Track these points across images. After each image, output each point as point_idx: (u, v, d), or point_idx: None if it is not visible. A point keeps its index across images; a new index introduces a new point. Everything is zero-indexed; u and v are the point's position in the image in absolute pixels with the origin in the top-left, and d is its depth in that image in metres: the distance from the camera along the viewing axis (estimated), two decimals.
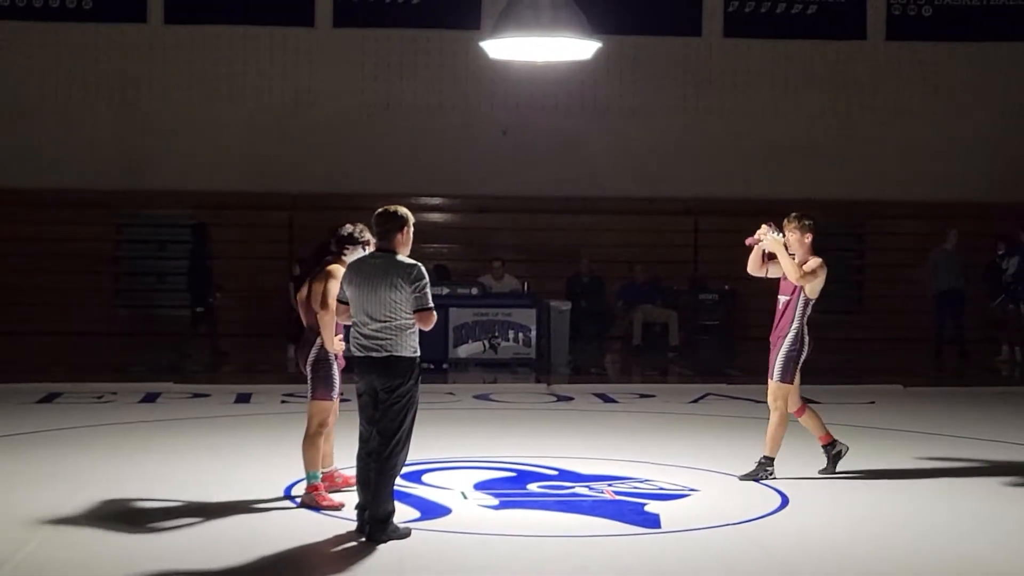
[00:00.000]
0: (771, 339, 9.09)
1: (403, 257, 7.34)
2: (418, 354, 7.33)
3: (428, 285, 7.27)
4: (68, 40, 20.42)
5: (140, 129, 20.46)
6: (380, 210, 7.46)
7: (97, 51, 20.47)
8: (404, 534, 7.22)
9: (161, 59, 20.56)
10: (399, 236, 7.36)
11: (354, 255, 7.96)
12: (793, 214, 9.49)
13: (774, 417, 9.01)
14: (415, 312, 7.22)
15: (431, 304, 7.26)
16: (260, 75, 20.67)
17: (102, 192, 20.35)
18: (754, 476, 8.94)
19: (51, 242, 20.21)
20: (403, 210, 7.44)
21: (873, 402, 13.49)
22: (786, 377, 8.92)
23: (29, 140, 20.25)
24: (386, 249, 7.38)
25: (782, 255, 9.10)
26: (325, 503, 7.98)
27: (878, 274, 21.65)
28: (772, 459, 9.00)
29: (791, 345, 8.92)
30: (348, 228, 8.20)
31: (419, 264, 7.31)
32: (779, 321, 9.04)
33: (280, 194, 20.35)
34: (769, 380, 9.03)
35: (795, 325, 8.98)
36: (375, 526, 7.16)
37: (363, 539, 7.20)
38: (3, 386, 13.49)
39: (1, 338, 18.79)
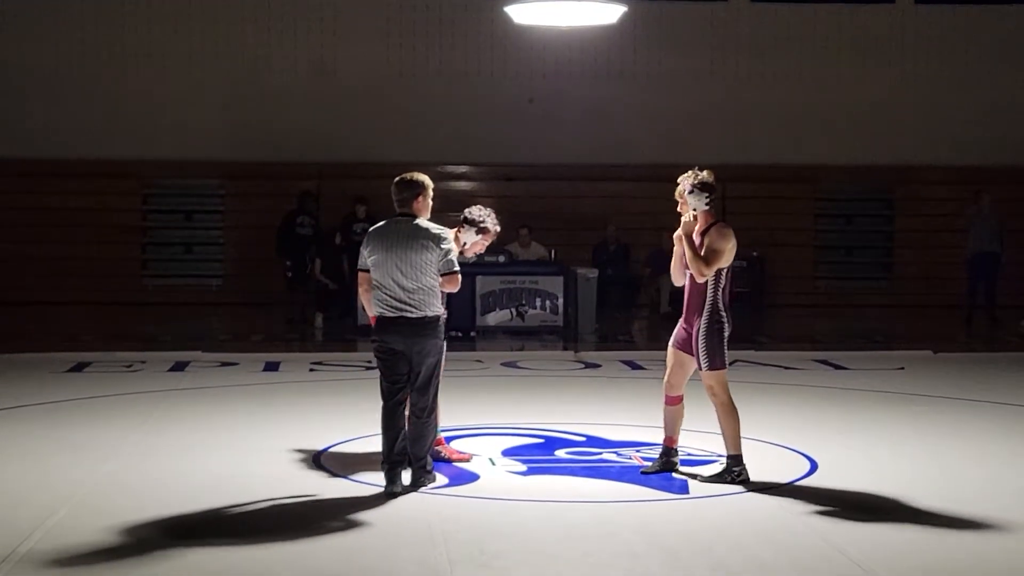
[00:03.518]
0: (684, 323, 7.93)
1: (428, 222, 7.67)
2: (443, 312, 7.79)
3: (453, 249, 7.70)
4: (95, 10, 20.44)
5: (165, 99, 20.46)
6: (398, 178, 7.79)
7: (123, 21, 20.48)
8: (435, 478, 7.75)
9: (186, 28, 20.55)
10: (416, 202, 7.69)
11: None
12: (689, 178, 7.96)
13: (718, 410, 7.86)
14: (443, 275, 7.60)
15: (457, 267, 7.68)
16: (285, 44, 20.64)
17: (128, 162, 20.40)
18: (718, 479, 7.82)
19: (78, 212, 20.29)
20: (421, 177, 7.77)
21: (903, 368, 13.42)
22: (715, 363, 7.77)
23: (56, 111, 20.30)
24: (408, 214, 7.68)
25: (687, 246, 7.82)
26: (455, 456, 8.40)
27: (908, 240, 21.51)
28: (738, 456, 7.83)
29: (708, 325, 7.77)
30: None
31: (444, 229, 7.73)
32: (692, 300, 7.87)
33: (307, 163, 20.35)
34: (700, 371, 7.84)
35: (709, 300, 7.79)
36: (419, 472, 7.64)
37: (391, 492, 7.46)
38: (34, 355, 13.59)
39: (30, 308, 18.92)
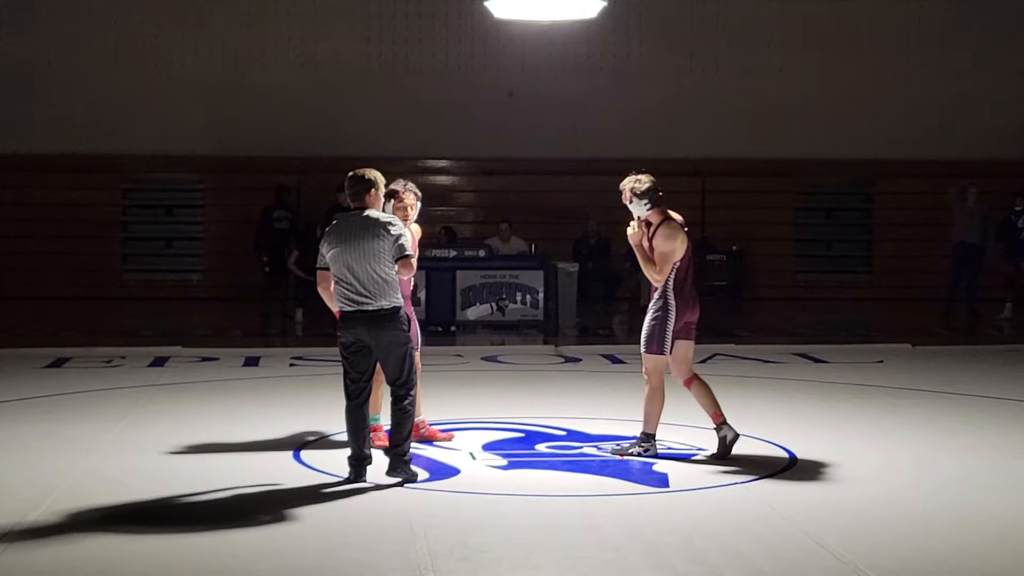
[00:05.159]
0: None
1: (377, 212, 7.79)
2: (401, 303, 7.81)
3: (405, 235, 7.72)
4: (76, 5, 20.35)
5: (147, 93, 20.41)
6: (351, 173, 7.90)
7: (105, 16, 20.40)
8: (414, 476, 7.66)
9: (168, 23, 20.49)
10: (368, 196, 7.78)
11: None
12: (626, 183, 8.35)
13: (646, 390, 8.35)
14: (397, 260, 7.63)
15: (410, 251, 7.72)
16: (267, 39, 20.60)
17: (109, 157, 20.34)
18: (625, 451, 8.35)
19: (59, 207, 20.24)
20: (372, 172, 7.87)
21: (882, 361, 13.49)
22: (651, 347, 8.25)
23: (37, 105, 20.22)
24: (359, 207, 7.78)
25: (638, 255, 8.37)
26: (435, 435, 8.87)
27: (887, 233, 21.60)
28: (651, 435, 8.33)
29: (655, 312, 8.27)
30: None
31: (394, 217, 7.89)
32: (652, 291, 8.39)
33: (288, 158, 20.32)
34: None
35: (660, 289, 8.28)
36: (397, 460, 7.62)
37: (357, 482, 7.58)
38: (13, 351, 13.54)
39: (10, 303, 18.85)
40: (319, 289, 7.93)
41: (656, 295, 8.31)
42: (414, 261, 7.78)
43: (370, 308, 7.58)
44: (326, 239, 7.76)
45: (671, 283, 8.27)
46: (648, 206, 8.31)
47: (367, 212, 7.71)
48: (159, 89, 20.44)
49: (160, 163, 20.64)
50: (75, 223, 20.25)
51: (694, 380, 8.42)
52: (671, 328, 8.26)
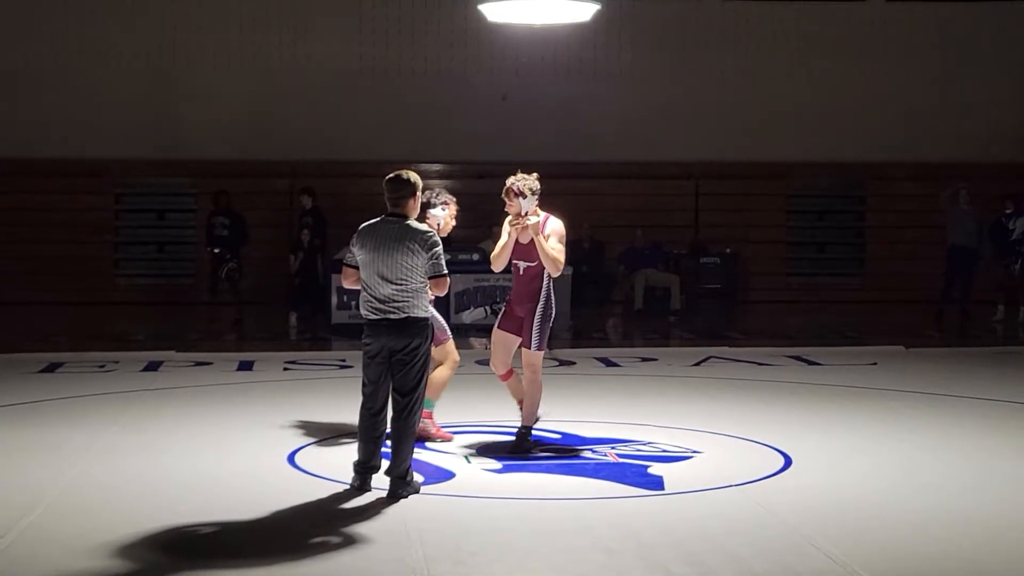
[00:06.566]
0: (516, 308, 8.63)
1: (417, 223, 7.58)
2: (429, 314, 7.65)
3: (442, 252, 7.52)
4: (66, 7, 20.31)
5: (138, 97, 20.37)
6: (392, 176, 7.67)
7: (96, 19, 20.36)
8: (417, 488, 7.49)
9: (157, 25, 20.44)
10: (410, 202, 7.60)
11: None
12: (519, 180, 8.51)
13: (531, 388, 8.65)
14: (431, 278, 7.48)
15: (446, 270, 7.54)
16: (258, 41, 20.56)
17: (101, 161, 20.30)
18: (517, 448, 8.61)
19: (50, 211, 20.18)
20: (414, 176, 7.67)
21: (875, 363, 13.50)
22: (542, 344, 8.57)
23: (28, 110, 20.17)
24: (399, 214, 7.56)
25: (541, 245, 8.41)
26: (438, 435, 8.91)
27: (879, 236, 21.63)
28: (531, 428, 8.75)
29: (543, 311, 8.53)
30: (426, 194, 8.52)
31: (433, 231, 7.62)
32: (525, 288, 8.56)
33: (280, 162, 20.29)
34: (524, 349, 8.57)
35: (544, 288, 8.54)
36: (397, 483, 7.40)
37: (362, 491, 7.46)
38: (5, 356, 13.51)
39: (2, 308, 18.80)
40: (344, 283, 7.78)
41: (541, 296, 8.53)
42: (448, 280, 7.56)
43: (395, 318, 7.40)
44: (360, 240, 7.53)
45: (551, 283, 8.56)
46: (536, 203, 8.52)
47: (407, 222, 7.48)
48: (150, 93, 20.40)
49: (152, 167, 20.60)
50: (67, 227, 20.20)
51: (513, 373, 8.82)
52: (550, 325, 8.60)
